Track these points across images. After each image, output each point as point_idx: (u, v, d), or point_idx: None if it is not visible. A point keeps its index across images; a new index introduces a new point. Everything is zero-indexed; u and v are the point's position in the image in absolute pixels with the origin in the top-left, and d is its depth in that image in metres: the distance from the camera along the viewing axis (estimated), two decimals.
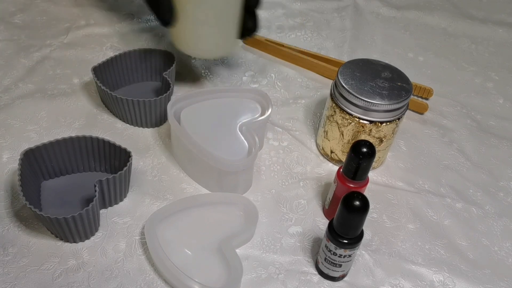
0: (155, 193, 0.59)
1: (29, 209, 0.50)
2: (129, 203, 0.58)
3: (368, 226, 0.59)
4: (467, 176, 0.66)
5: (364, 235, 0.50)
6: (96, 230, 0.55)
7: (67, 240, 0.53)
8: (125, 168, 0.54)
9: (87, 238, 0.54)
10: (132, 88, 0.71)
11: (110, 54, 0.70)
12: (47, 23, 0.83)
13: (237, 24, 0.64)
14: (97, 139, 0.57)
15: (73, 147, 0.57)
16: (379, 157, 0.64)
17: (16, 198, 0.57)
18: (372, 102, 0.57)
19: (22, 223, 0.55)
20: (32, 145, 0.55)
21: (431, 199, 0.63)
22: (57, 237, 0.54)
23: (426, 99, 0.77)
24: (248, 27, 0.65)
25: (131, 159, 0.55)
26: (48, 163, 0.57)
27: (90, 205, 0.51)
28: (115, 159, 0.57)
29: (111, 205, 0.57)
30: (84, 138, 0.57)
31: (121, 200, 0.58)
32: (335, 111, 0.61)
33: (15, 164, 0.60)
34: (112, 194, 0.56)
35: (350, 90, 0.58)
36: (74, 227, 0.51)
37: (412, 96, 0.63)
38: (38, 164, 0.56)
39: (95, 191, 0.52)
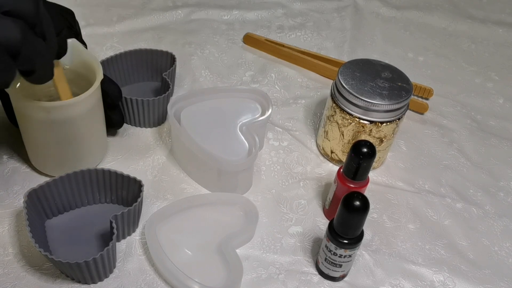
0: (155, 193, 0.59)
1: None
2: None
3: (368, 226, 0.59)
4: (467, 176, 0.66)
5: (364, 235, 0.50)
6: (115, 266, 0.52)
7: (85, 282, 0.50)
8: (139, 199, 0.52)
9: (106, 276, 0.51)
10: (132, 88, 0.71)
11: (110, 54, 0.70)
12: None
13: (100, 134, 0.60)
14: (103, 170, 0.54)
15: (77, 182, 0.54)
16: (379, 157, 0.64)
17: (15, 198, 0.57)
18: (372, 102, 0.57)
19: (22, 223, 0.55)
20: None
21: (431, 199, 0.63)
22: (73, 279, 0.50)
23: (426, 99, 0.77)
24: (112, 123, 0.62)
25: (143, 188, 0.53)
26: (52, 201, 0.53)
27: (110, 244, 0.48)
28: (122, 189, 0.55)
29: (124, 238, 0.54)
30: (89, 171, 0.54)
31: (134, 231, 0.55)
32: (335, 111, 0.61)
33: (15, 164, 0.60)
34: (126, 227, 0.53)
35: (351, 90, 0.58)
36: (95, 269, 0.48)
37: (412, 96, 0.63)
38: (41, 203, 0.53)
39: (112, 227, 0.49)
